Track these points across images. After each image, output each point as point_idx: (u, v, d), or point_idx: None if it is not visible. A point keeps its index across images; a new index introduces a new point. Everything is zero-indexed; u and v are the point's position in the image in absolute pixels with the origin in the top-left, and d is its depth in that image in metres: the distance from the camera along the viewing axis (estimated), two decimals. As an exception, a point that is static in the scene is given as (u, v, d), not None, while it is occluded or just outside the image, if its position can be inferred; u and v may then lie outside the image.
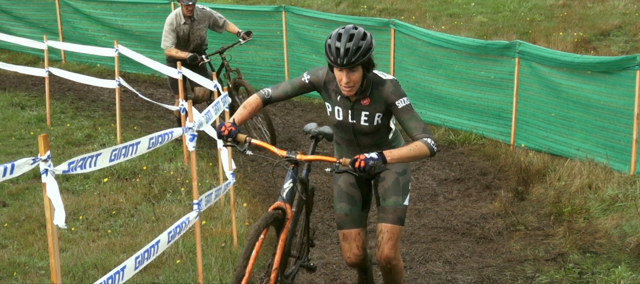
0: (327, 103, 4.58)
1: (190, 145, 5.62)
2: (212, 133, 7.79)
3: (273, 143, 8.92)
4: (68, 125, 10.46)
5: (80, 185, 8.03)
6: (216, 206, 7.24)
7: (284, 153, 4.37)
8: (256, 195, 7.79)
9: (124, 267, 4.28)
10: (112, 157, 4.42)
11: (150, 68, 10.83)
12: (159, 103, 10.03)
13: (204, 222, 6.87)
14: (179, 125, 8.71)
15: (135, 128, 10.29)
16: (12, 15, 14.76)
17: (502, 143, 9.31)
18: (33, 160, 3.99)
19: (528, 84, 9.09)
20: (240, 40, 9.49)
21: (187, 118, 5.65)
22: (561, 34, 13.07)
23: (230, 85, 9.33)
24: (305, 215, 4.98)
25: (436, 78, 10.22)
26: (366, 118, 4.48)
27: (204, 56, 9.31)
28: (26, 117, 10.90)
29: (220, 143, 7.36)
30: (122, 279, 4.23)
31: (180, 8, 9.24)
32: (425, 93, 10.37)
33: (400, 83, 11.34)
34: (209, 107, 5.99)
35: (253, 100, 4.56)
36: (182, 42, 9.28)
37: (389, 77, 4.46)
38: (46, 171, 4.02)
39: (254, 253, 4.10)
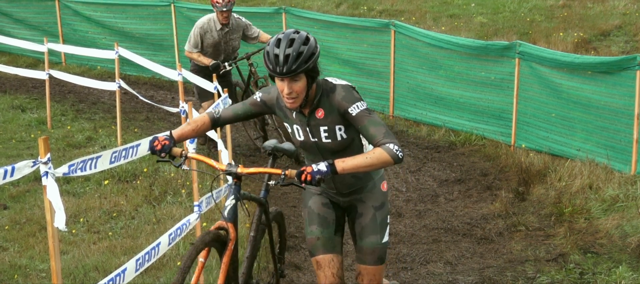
0: (286, 124, 4.15)
1: (191, 147, 5.62)
2: (213, 135, 7.79)
3: (297, 160, 8.75)
4: (68, 127, 10.45)
5: (81, 188, 8.03)
6: (217, 208, 7.24)
7: (223, 166, 3.98)
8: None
9: (125, 269, 4.28)
10: (113, 159, 4.43)
11: (150, 71, 10.83)
12: (160, 105, 10.02)
13: (204, 224, 6.87)
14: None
15: (135, 130, 10.28)
16: (12, 17, 14.77)
17: (503, 143, 9.31)
18: (33, 162, 3.99)
19: (528, 85, 9.09)
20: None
21: (188, 119, 5.65)
22: (561, 34, 13.07)
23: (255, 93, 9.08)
24: (270, 242, 4.61)
25: (436, 79, 10.22)
26: (326, 134, 4.00)
27: (226, 63, 8.76)
28: (27, 120, 10.90)
29: (220, 144, 7.38)
30: (123, 281, 4.23)
31: (214, 13, 8.67)
32: (426, 94, 10.37)
33: (401, 84, 11.23)
34: (210, 108, 6.00)
35: (200, 118, 4.15)
36: (210, 49, 8.73)
37: (341, 82, 4.01)
38: (47, 173, 4.03)
39: (194, 278, 3.69)
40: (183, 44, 13.04)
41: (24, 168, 3.92)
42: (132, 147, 4.63)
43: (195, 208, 5.29)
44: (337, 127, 3.97)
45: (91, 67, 13.84)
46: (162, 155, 3.96)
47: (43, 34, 13.28)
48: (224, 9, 8.51)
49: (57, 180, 3.95)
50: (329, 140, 4.00)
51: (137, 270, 4.39)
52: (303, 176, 3.70)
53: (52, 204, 3.94)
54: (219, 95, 7.92)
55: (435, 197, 7.93)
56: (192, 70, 8.85)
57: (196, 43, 8.66)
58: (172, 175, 8.25)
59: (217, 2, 8.49)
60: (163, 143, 3.96)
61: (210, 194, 4.11)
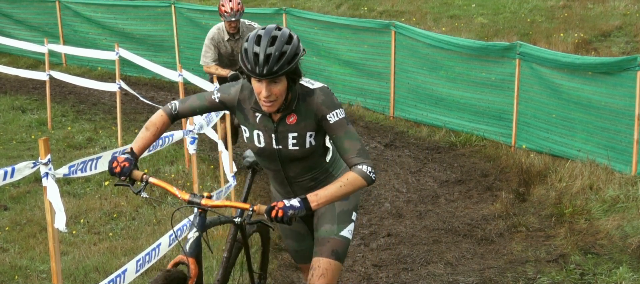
0: (243, 127, 3.73)
1: (191, 148, 5.63)
2: (214, 135, 7.79)
3: None
4: (69, 128, 10.46)
5: (81, 188, 8.03)
6: (217, 208, 7.22)
7: (186, 196, 3.53)
8: (258, 198, 7.79)
9: (125, 270, 4.28)
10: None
11: (151, 71, 10.83)
12: (160, 106, 10.02)
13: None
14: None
15: (136, 131, 10.29)
16: (12, 18, 14.77)
17: (503, 144, 9.31)
18: (34, 163, 4.00)
19: (529, 85, 9.09)
20: None
21: (188, 120, 5.65)
22: (562, 35, 13.07)
23: None
24: (247, 260, 4.26)
25: (437, 79, 10.22)
26: (295, 141, 3.63)
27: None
28: (27, 121, 10.90)
29: (221, 145, 7.38)
30: (124, 282, 4.23)
31: (223, 22, 8.21)
32: (426, 95, 10.37)
33: (401, 84, 11.19)
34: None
35: (157, 118, 3.72)
36: (225, 60, 8.25)
37: (319, 84, 3.62)
38: (47, 174, 4.03)
39: None
40: (183, 44, 13.12)
41: (24, 169, 3.93)
42: (133, 148, 4.62)
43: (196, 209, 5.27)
44: (308, 133, 3.61)
45: (92, 68, 13.84)
46: (122, 178, 3.50)
47: (43, 35, 13.28)
48: (233, 19, 8.03)
49: (58, 180, 3.95)
50: (296, 147, 3.64)
51: (137, 271, 4.39)
52: (273, 213, 3.30)
53: (53, 205, 3.94)
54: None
55: (436, 198, 7.92)
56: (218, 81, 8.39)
57: (213, 56, 8.20)
58: (173, 175, 8.25)
59: (225, 12, 8.06)
60: (123, 164, 3.50)
61: (174, 231, 3.64)
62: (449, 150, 9.45)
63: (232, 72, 7.85)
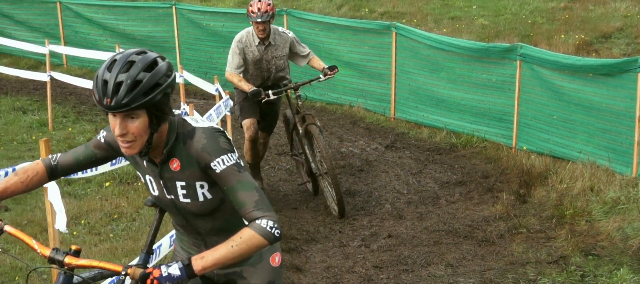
0: (138, 173, 3.15)
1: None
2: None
3: (341, 213, 7.37)
4: (70, 129, 10.46)
5: (82, 189, 8.04)
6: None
7: (47, 252, 2.93)
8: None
9: (126, 271, 4.28)
10: (114, 161, 4.43)
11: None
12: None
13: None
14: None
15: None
16: (13, 19, 14.79)
17: (504, 146, 9.31)
18: (35, 164, 3.99)
19: (530, 87, 9.09)
20: (321, 76, 7.50)
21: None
22: (563, 36, 13.07)
23: (301, 131, 7.40)
24: None
25: (438, 81, 10.23)
26: (185, 192, 3.00)
27: (270, 92, 7.26)
28: (28, 121, 10.91)
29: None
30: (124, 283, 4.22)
31: (251, 26, 7.44)
32: (427, 96, 10.37)
33: (402, 86, 11.08)
34: (211, 110, 6.00)
35: (32, 167, 3.17)
36: (250, 68, 7.44)
37: (204, 124, 2.97)
38: (48, 175, 4.02)
39: None
40: (184, 45, 13.13)
41: (25, 169, 3.92)
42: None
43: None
44: (197, 184, 2.97)
45: (93, 69, 13.85)
46: None
47: (44, 36, 13.30)
48: (259, 20, 7.24)
49: (59, 182, 3.95)
50: (188, 200, 3.01)
51: (138, 272, 4.39)
52: (148, 281, 2.70)
53: (53, 206, 3.94)
54: (221, 97, 7.90)
55: (437, 199, 7.92)
56: (236, 94, 7.74)
57: (238, 62, 7.35)
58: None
59: (252, 12, 7.29)
60: None
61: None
62: (450, 152, 9.46)
63: (254, 88, 7.20)
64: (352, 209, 7.62)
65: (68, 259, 2.89)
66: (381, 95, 11.05)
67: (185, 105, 8.26)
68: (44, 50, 10.87)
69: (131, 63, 2.75)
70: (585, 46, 12.61)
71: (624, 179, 7.61)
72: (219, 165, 2.86)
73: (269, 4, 7.24)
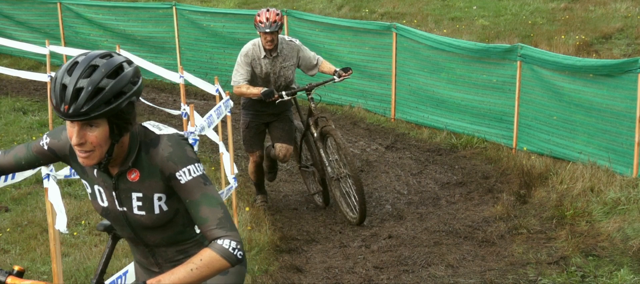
0: (84, 182, 2.92)
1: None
2: (214, 137, 7.80)
3: (362, 218, 7.21)
4: (70, 129, 10.46)
5: (82, 190, 8.04)
6: None
7: None
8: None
9: (126, 272, 4.29)
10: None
11: (152, 73, 10.84)
12: (161, 108, 10.04)
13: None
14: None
15: (137, 132, 10.29)
16: (14, 20, 14.79)
17: (504, 146, 9.31)
18: (35, 164, 3.99)
19: (530, 87, 9.09)
20: (336, 77, 7.31)
21: (189, 122, 5.66)
22: (563, 37, 13.07)
23: (315, 134, 7.31)
24: None
25: (438, 81, 10.22)
26: (141, 203, 2.79)
27: (283, 92, 7.17)
28: (28, 122, 10.91)
29: (222, 147, 7.38)
30: (125, 283, 4.23)
31: (258, 38, 7.25)
32: (427, 97, 10.37)
33: (402, 86, 11.07)
34: (211, 111, 6.00)
35: None
36: (259, 82, 7.26)
37: (168, 130, 2.79)
38: (48, 176, 4.03)
39: None
40: (184, 46, 13.12)
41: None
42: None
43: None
44: (155, 196, 2.78)
45: (93, 70, 13.85)
46: None
47: (45, 37, 13.29)
48: (268, 30, 7.01)
49: (59, 182, 3.95)
50: (142, 212, 2.80)
51: (138, 272, 4.39)
52: None
53: (54, 206, 3.94)
54: (221, 98, 7.90)
55: (437, 200, 7.92)
56: (243, 104, 7.55)
57: (245, 75, 7.17)
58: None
59: (260, 22, 7.07)
60: None
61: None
62: (450, 152, 9.46)
63: (266, 89, 7.06)
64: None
65: (10, 280, 2.70)
66: (381, 95, 11.05)
67: (186, 105, 8.26)
68: (44, 50, 10.87)
69: (94, 68, 2.53)
70: (585, 47, 12.61)
71: (624, 180, 7.61)
72: (185, 175, 2.68)
73: (277, 14, 7.07)
